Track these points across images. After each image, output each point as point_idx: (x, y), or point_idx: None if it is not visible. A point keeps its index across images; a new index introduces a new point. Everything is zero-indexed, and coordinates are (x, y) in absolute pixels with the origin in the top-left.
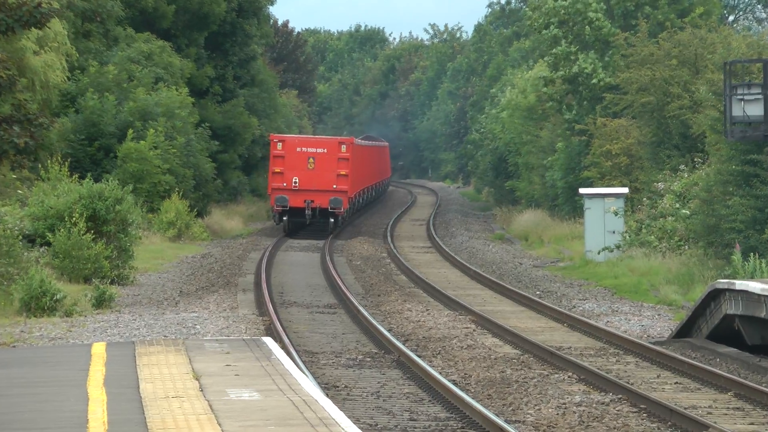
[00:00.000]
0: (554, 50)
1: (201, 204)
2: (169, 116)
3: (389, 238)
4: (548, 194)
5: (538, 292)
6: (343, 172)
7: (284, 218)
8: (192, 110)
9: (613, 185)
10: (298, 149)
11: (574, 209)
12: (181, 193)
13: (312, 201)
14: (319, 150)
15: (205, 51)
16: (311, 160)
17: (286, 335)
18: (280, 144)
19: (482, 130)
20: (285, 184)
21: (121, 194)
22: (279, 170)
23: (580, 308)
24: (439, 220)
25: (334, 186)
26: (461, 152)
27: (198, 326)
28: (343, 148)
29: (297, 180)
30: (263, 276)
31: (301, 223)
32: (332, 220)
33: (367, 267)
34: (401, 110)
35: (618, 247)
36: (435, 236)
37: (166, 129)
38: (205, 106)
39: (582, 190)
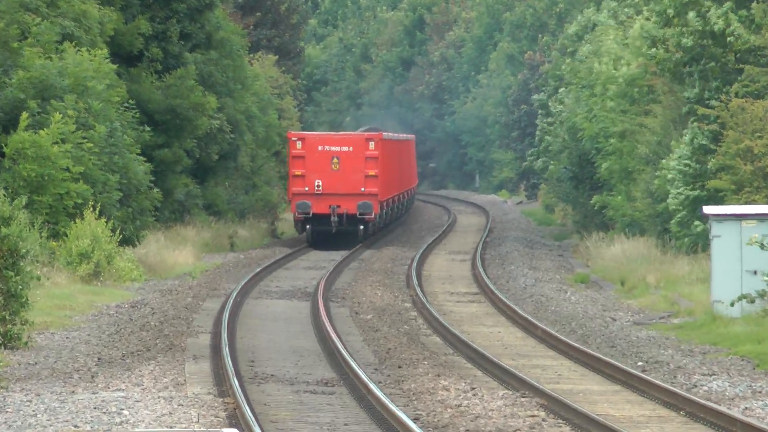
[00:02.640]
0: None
1: (130, 226)
2: (81, 93)
3: (415, 280)
4: (657, 214)
5: (640, 363)
6: (372, 173)
7: (307, 227)
8: (118, 84)
9: (755, 202)
10: (320, 148)
11: (698, 238)
12: (100, 210)
13: (338, 206)
14: (344, 148)
15: None
16: (335, 160)
17: (260, 426)
18: (300, 143)
19: (561, 112)
20: (307, 189)
21: (10, 211)
22: (299, 173)
23: (705, 388)
24: (491, 252)
25: (363, 189)
26: (536, 154)
27: (126, 411)
28: (371, 144)
29: (320, 183)
30: (224, 336)
31: (327, 231)
32: (362, 227)
33: (381, 323)
34: (434, 86)
35: (763, 295)
36: (484, 277)
37: (78, 112)
38: (137, 78)
39: (707, 209)
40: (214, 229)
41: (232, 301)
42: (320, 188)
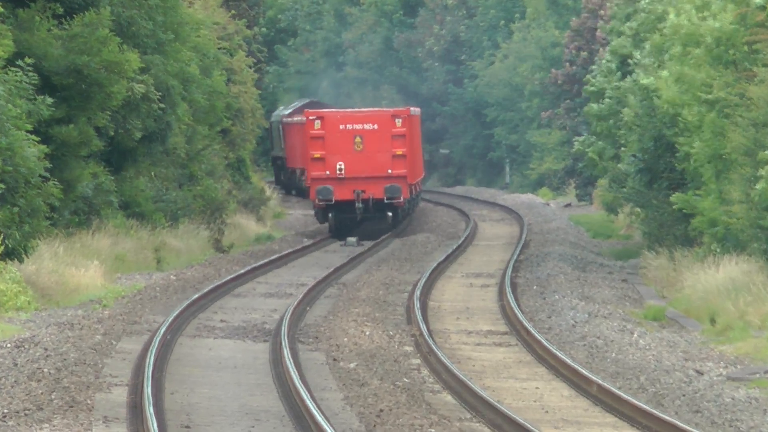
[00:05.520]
0: None
1: (16, 233)
2: None
3: (419, 313)
4: (762, 225)
5: None
6: (399, 152)
7: (329, 215)
8: (2, 33)
9: None
10: (342, 127)
11: None
12: None
13: (363, 191)
14: (368, 126)
15: None
16: (358, 139)
17: None
18: (318, 122)
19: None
20: (328, 173)
21: None
22: (319, 155)
23: None
24: (526, 275)
25: (390, 171)
26: (600, 135)
27: None
28: (398, 121)
29: (342, 166)
30: (148, 390)
31: (351, 219)
32: (390, 213)
33: (370, 374)
34: (448, 39)
35: None
36: (516, 310)
37: None
38: (28, 24)
39: None
40: (134, 238)
41: (159, 340)
42: (342, 172)
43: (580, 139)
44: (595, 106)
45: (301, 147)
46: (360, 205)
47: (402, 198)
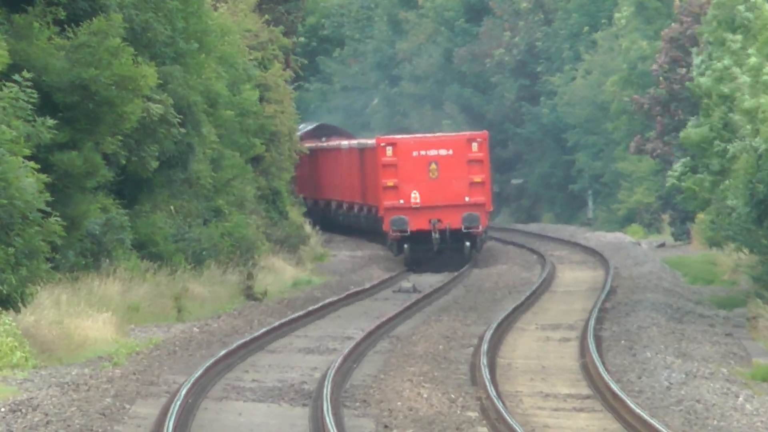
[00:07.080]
0: None
1: (11, 277)
2: None
3: (486, 373)
4: None
5: None
6: (477, 179)
7: (404, 246)
8: None
9: None
10: (415, 153)
11: None
12: None
13: (439, 220)
14: (443, 152)
15: None
16: (433, 166)
17: None
18: (390, 149)
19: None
20: (402, 201)
21: None
22: (392, 183)
23: None
24: (613, 327)
25: (467, 198)
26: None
27: None
28: (474, 146)
29: (417, 195)
30: None
31: (427, 250)
32: (467, 243)
33: None
34: (521, 50)
35: None
36: (600, 369)
37: None
38: (26, 32)
39: None
40: (150, 284)
41: (179, 403)
42: (417, 201)
43: (674, 168)
44: (693, 131)
45: (328, 175)
46: (437, 235)
47: (480, 227)
